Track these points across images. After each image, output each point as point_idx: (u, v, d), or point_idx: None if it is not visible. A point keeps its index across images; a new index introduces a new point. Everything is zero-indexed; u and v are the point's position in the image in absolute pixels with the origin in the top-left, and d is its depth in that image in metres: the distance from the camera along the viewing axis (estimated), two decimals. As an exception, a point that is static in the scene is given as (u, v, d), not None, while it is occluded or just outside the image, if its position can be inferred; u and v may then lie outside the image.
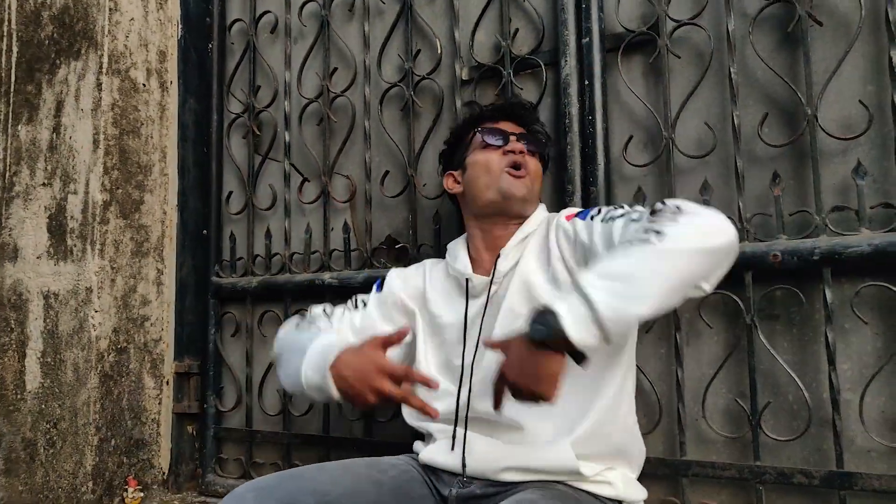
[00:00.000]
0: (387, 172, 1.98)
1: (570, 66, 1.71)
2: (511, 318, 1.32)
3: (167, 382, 2.20)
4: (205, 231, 2.25)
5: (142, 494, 2.08)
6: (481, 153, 1.45)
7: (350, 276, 1.95)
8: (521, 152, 1.42)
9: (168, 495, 2.13)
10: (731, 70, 1.54)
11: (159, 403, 2.18)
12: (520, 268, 1.37)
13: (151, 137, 2.24)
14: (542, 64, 1.77)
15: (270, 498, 1.22)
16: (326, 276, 1.99)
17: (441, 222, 1.86)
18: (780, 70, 1.50)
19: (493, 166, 1.41)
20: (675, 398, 1.54)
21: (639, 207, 1.25)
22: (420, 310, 1.50)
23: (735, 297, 1.49)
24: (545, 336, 1.03)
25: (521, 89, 1.81)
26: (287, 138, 2.12)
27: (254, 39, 2.23)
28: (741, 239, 1.47)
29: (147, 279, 2.19)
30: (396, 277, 1.55)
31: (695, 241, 1.07)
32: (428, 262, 1.58)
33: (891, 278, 1.37)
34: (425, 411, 1.17)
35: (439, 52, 1.92)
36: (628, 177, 1.67)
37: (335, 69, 2.08)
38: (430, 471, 1.38)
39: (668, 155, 1.59)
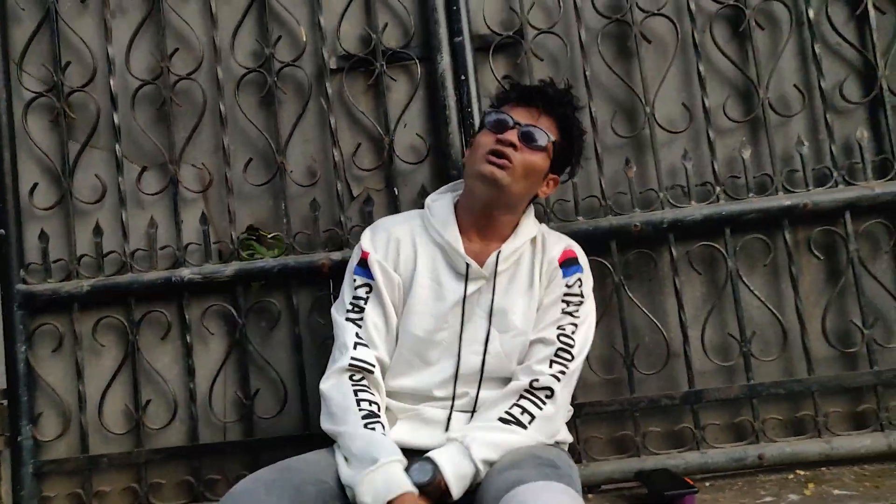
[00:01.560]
0: (250, 160, 1.90)
1: (444, 62, 1.86)
2: (500, 316, 1.43)
3: (-41, 417, 1.79)
4: (2, 231, 1.87)
5: (-56, 558, 1.66)
6: (481, 134, 1.48)
7: (216, 270, 1.83)
8: (511, 144, 1.42)
9: (-24, 554, 1.74)
10: (586, 74, 1.84)
11: (-50, 444, 1.76)
12: (509, 277, 1.47)
13: (-82, 116, 1.80)
14: (415, 58, 1.89)
15: (279, 488, 1.17)
16: (186, 273, 1.83)
17: (318, 209, 1.86)
18: (622, 74, 1.85)
19: (477, 150, 1.45)
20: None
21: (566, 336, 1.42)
22: (407, 277, 1.48)
23: (605, 262, 1.79)
24: (427, 480, 1.23)
25: (395, 80, 1.90)
26: (116, 122, 1.89)
27: (55, 5, 1.93)
28: (604, 214, 1.80)
29: (-74, 291, 1.75)
30: (377, 245, 1.49)
31: (547, 432, 1.38)
32: (388, 226, 1.54)
33: (713, 238, 1.80)
34: None
35: (304, 39, 1.91)
36: (500, 163, 1.88)
37: (176, 49, 1.92)
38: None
39: (538, 144, 1.84)
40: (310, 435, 1.77)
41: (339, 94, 1.91)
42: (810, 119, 1.86)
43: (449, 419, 1.41)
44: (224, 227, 1.89)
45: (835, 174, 1.79)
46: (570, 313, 1.43)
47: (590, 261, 1.55)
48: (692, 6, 1.83)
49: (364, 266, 1.47)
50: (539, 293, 1.46)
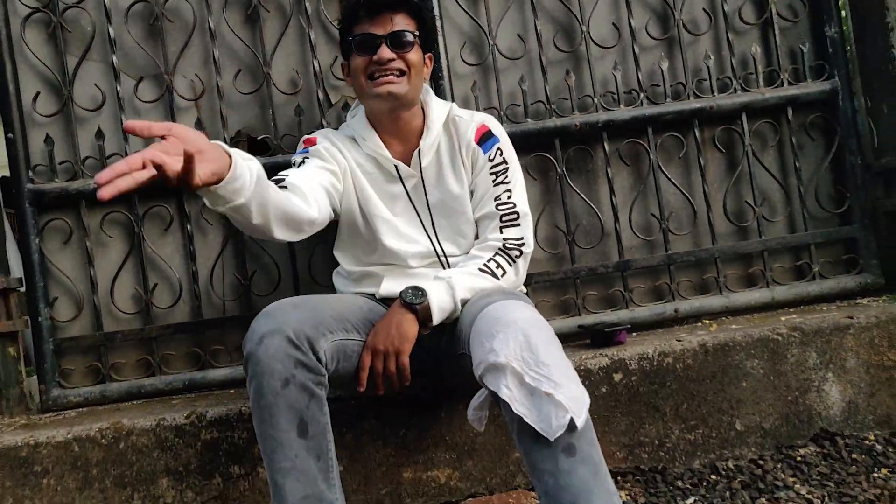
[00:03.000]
0: (238, 71, 2.13)
1: None
2: (439, 206, 1.71)
3: (-21, 303, 1.98)
4: (10, 135, 2.04)
5: (-19, 421, 1.88)
6: (355, 58, 1.64)
7: (213, 168, 2.06)
8: (388, 60, 1.60)
9: (7, 419, 1.95)
10: (532, -3, 2.16)
11: (-27, 326, 1.95)
12: (436, 168, 1.72)
13: (-76, 26, 1.94)
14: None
15: (303, 308, 1.45)
16: (185, 170, 2.06)
17: (303, 114, 2.11)
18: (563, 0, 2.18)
19: (361, 77, 1.63)
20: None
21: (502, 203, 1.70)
22: (346, 173, 1.72)
23: (550, 157, 2.14)
24: (416, 301, 1.53)
25: None
26: (112, 36, 2.08)
27: (45, -74, 2.09)
28: (549, 116, 2.13)
29: (-55, 187, 1.92)
30: (324, 139, 1.73)
31: (512, 284, 1.69)
32: (330, 133, 1.78)
33: (638, 136, 2.17)
34: None
35: (283, -38, 2.14)
36: (459, 74, 2.18)
37: (166, -31, 2.12)
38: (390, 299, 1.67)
39: (492, 57, 2.15)
40: (303, 307, 2.06)
41: (317, 13, 2.15)
42: (715, 37, 2.25)
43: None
44: (216, 132, 2.11)
45: (734, 83, 2.19)
46: (501, 182, 1.70)
47: (536, 156, 1.87)
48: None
49: (307, 148, 1.72)
50: (468, 177, 1.72)
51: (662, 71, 2.17)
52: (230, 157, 1.23)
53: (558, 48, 2.18)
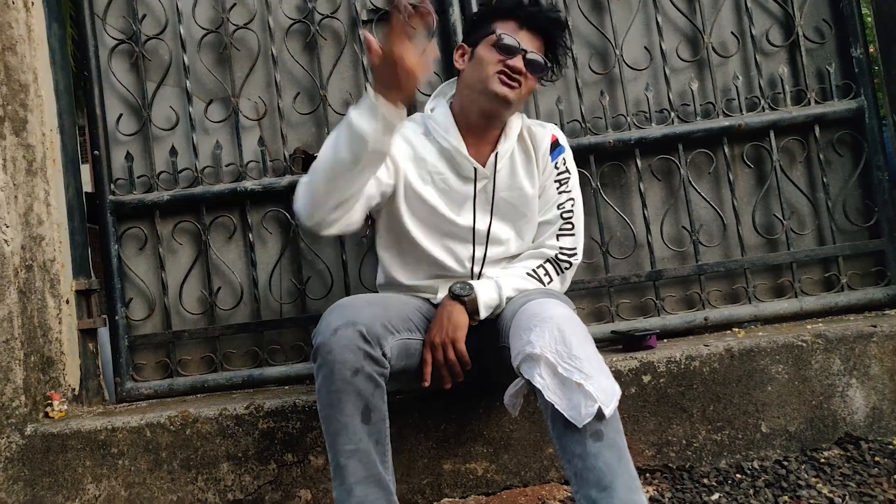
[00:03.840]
0: (297, 94, 2.33)
1: (455, 14, 2.31)
2: (504, 206, 1.81)
3: (66, 301, 2.19)
4: (96, 152, 2.28)
5: (65, 408, 2.08)
6: (488, 51, 1.71)
7: (273, 182, 2.26)
8: (520, 72, 1.68)
9: (87, 408, 2.16)
10: (567, 23, 2.31)
11: (60, 322, 2.17)
12: (508, 171, 1.80)
13: (25, 57, 2.19)
14: (433, 12, 2.32)
15: (375, 304, 1.61)
16: (249, 184, 2.26)
17: (355, 133, 2.30)
18: (597, 25, 2.32)
19: (488, 68, 1.69)
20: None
21: (566, 211, 1.84)
22: (410, 166, 1.76)
23: (585, 172, 2.26)
24: (465, 294, 1.68)
25: (415, 29, 2.33)
26: (186, 64, 2.31)
27: (130, -31, 2.34)
28: (584, 134, 2.27)
29: (39, 199, 2.15)
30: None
31: (558, 288, 1.83)
32: (415, 127, 1.83)
33: (669, 153, 2.29)
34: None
35: (339, -5, 2.34)
36: (500, 96, 2.33)
37: (234, 4, 2.33)
38: None
39: (531, 80, 2.30)
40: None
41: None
42: (743, 59, 2.35)
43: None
44: (277, 149, 2.31)
45: (762, 102, 2.29)
46: (564, 191, 1.84)
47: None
48: (655, -31, 2.32)
49: None
50: (539, 181, 1.84)
51: (692, 91, 2.29)
52: None
53: (593, 70, 2.32)
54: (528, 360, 1.45)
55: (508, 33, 1.72)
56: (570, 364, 1.41)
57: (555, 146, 1.85)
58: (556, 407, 1.39)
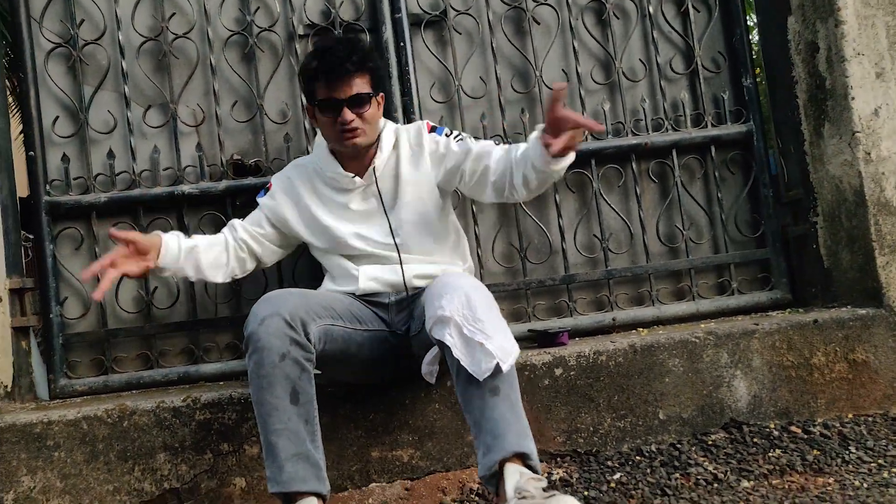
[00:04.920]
0: (235, 102, 2.43)
1: (388, 33, 2.45)
2: (397, 208, 1.97)
3: (0, 299, 2.22)
4: (31, 153, 2.32)
5: (-3, 404, 2.11)
6: (321, 114, 1.87)
7: (210, 186, 2.35)
8: (351, 121, 1.82)
9: (20, 404, 2.19)
10: (493, 46, 2.50)
11: (-8, 321, 2.20)
12: (391, 176, 1.96)
13: (-39, 57, 2.22)
14: (365, 29, 2.47)
15: (298, 298, 1.73)
16: (186, 188, 2.34)
17: (291, 141, 2.42)
18: (519, 47, 2.52)
19: (329, 130, 1.88)
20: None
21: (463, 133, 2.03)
22: (299, 201, 2.00)
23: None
24: None
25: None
26: (124, 69, 2.37)
27: (68, -26, 2.39)
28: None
29: (-28, 198, 2.18)
30: (280, 182, 2.05)
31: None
32: (291, 170, 2.07)
33: (583, 167, 2.50)
34: None
35: (277, 10, 2.45)
36: (429, 110, 2.50)
37: (173, 13, 2.41)
38: (368, 295, 1.97)
39: (457, 96, 2.48)
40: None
41: (305, 54, 2.46)
42: (650, 84, 2.60)
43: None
44: (214, 154, 2.41)
45: (666, 123, 2.53)
46: (460, 139, 1.98)
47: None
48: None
49: (264, 191, 2.08)
50: (430, 165, 1.97)
51: (605, 111, 2.51)
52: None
53: (515, 90, 2.51)
54: (440, 323, 1.63)
55: (324, 94, 1.85)
56: (474, 326, 1.61)
57: (433, 127, 2.02)
58: (461, 363, 1.59)
